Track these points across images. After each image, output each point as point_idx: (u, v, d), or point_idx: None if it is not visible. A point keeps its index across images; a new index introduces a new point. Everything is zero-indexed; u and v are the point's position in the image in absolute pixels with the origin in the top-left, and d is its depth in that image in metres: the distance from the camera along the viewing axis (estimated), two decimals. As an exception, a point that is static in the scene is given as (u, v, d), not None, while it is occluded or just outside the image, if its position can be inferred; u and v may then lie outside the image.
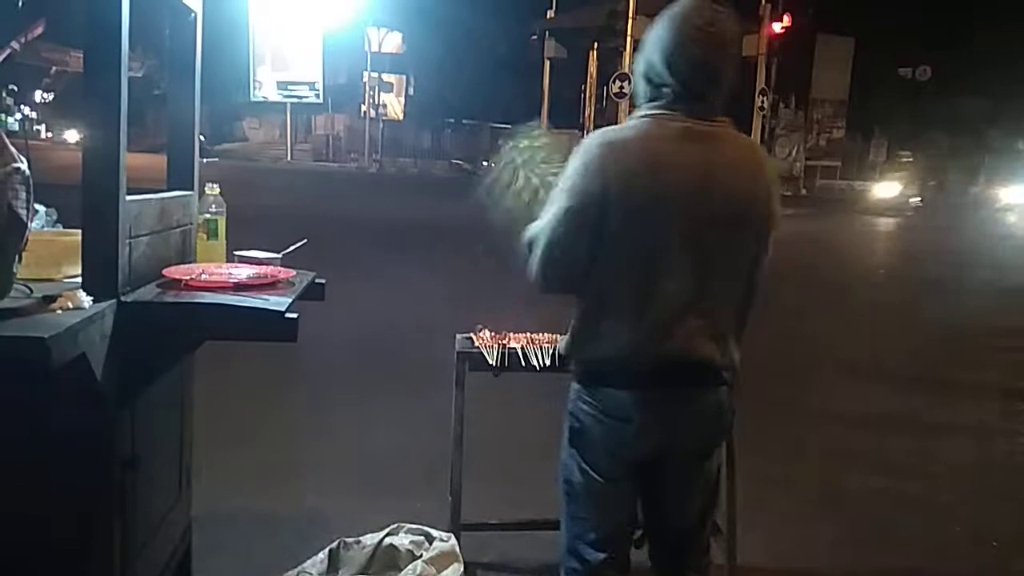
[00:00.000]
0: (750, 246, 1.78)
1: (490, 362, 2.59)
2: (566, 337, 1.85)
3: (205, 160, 2.46)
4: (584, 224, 1.69)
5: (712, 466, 1.89)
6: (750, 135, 23.97)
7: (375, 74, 34.51)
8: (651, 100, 1.75)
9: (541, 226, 1.77)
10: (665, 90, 1.72)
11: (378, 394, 4.78)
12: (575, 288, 1.80)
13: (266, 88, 35.20)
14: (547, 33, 27.94)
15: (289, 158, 33.40)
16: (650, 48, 1.75)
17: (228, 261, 2.29)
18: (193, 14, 2.31)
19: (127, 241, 1.85)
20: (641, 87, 1.79)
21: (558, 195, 1.75)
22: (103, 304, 1.73)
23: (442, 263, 9.13)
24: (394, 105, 37.54)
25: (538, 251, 1.76)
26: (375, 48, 34.94)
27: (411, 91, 38.54)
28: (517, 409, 4.05)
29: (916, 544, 3.40)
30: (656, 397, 1.75)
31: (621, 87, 20.57)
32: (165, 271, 2.02)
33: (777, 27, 25.14)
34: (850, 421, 4.92)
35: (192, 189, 2.35)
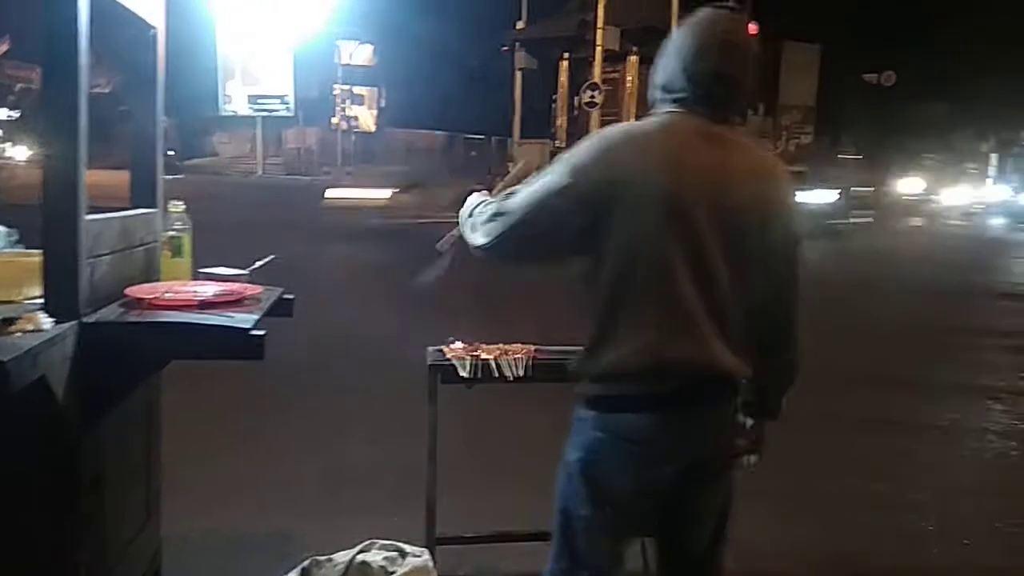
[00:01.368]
0: (769, 257, 1.71)
1: (462, 374, 2.57)
2: (579, 352, 1.73)
3: (169, 176, 2.43)
4: (576, 208, 1.63)
5: (726, 482, 1.81)
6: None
7: (346, 86, 34.45)
8: (673, 103, 1.72)
9: (526, 193, 1.70)
10: (685, 95, 1.70)
11: (351, 408, 4.75)
12: (525, 264, 1.76)
13: (236, 102, 34.99)
14: (517, 44, 28.10)
15: (260, 172, 33.16)
16: (670, 56, 1.73)
17: (194, 279, 2.26)
18: (153, 30, 2.29)
19: (88, 261, 1.83)
20: (659, 95, 1.76)
21: (558, 168, 1.67)
22: (64, 325, 1.71)
23: (417, 273, 9.11)
24: (366, 117, 37.49)
25: (510, 217, 1.69)
26: (346, 60, 34.91)
27: (383, 103, 38.52)
28: (491, 420, 4.04)
29: (888, 542, 3.43)
30: (676, 416, 1.67)
31: (592, 97, 20.71)
32: (128, 290, 1.99)
33: (744, 35, 25.46)
34: (821, 422, 4.97)
35: (156, 206, 2.32)
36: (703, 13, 1.73)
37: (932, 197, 29.80)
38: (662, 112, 1.73)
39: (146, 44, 2.31)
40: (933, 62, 33.04)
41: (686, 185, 1.62)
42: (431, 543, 2.60)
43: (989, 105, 35.31)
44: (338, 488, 3.65)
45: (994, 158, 39.17)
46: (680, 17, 20.49)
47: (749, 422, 1.89)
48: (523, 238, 1.71)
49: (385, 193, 15.47)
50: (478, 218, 1.78)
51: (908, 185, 30.77)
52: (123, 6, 2.09)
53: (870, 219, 20.89)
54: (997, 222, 26.14)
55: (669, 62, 1.73)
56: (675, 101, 1.72)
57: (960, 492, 4.05)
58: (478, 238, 1.77)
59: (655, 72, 1.77)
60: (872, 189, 23.70)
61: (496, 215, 1.73)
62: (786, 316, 1.80)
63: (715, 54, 1.67)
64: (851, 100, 33.46)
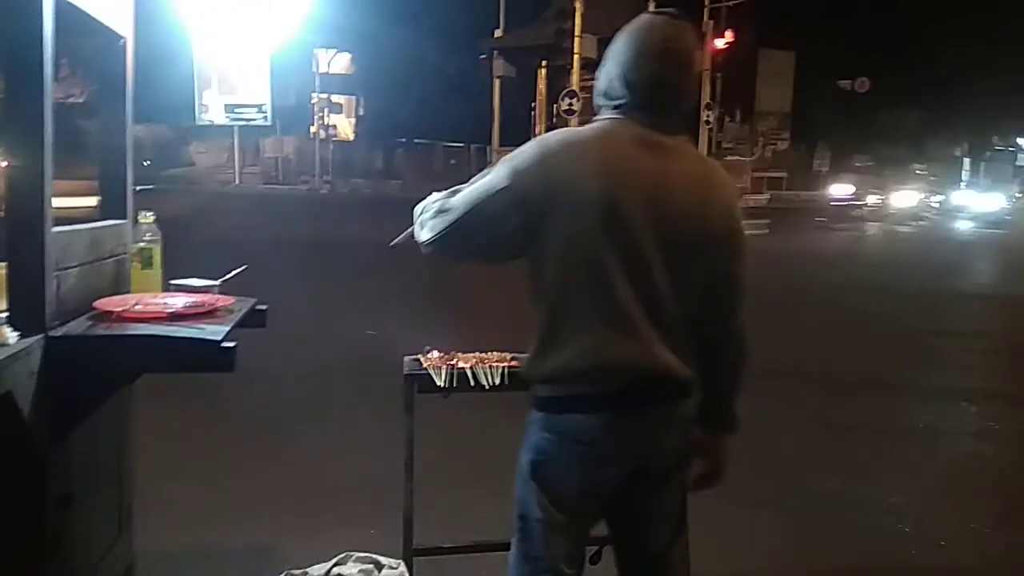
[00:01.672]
0: (707, 262, 1.72)
1: (438, 383, 2.56)
2: (527, 356, 1.78)
3: (138, 188, 2.40)
4: (512, 211, 1.65)
5: (680, 483, 1.84)
6: (696, 149, 24.58)
7: (324, 95, 34.35)
8: (613, 110, 1.74)
9: (467, 192, 1.72)
10: (624, 102, 1.71)
11: (327, 420, 4.71)
12: (465, 260, 1.79)
13: (212, 111, 34.76)
14: (495, 52, 28.15)
15: (238, 182, 32.95)
16: (610, 63, 1.75)
17: (164, 290, 2.23)
18: (123, 40, 2.26)
19: (55, 273, 1.80)
20: (601, 102, 1.77)
21: (499, 169, 1.70)
22: (30, 339, 1.68)
23: (395, 283, 9.06)
24: (344, 126, 37.39)
25: (450, 216, 1.72)
26: (324, 69, 34.80)
27: (361, 111, 38.45)
28: (469, 429, 4.03)
29: (865, 545, 3.45)
30: (623, 416, 1.69)
31: (570, 104, 20.79)
32: (96, 303, 1.96)
33: (720, 43, 25.73)
34: (799, 424, 5.01)
35: (126, 217, 2.29)
36: (642, 19, 1.74)
37: (868, 201, 28.19)
38: (602, 119, 1.75)
39: (115, 54, 2.28)
40: (907, 69, 33.54)
41: (622, 191, 1.64)
42: (408, 555, 2.58)
43: (962, 111, 35.91)
44: (316, 501, 3.61)
45: (967, 162, 39.81)
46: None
47: (708, 442, 1.89)
48: (463, 236, 1.73)
49: None
50: (425, 215, 1.80)
51: (840, 190, 29.28)
52: (91, 16, 2.06)
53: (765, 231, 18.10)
54: (964, 225, 26.18)
55: (609, 69, 1.75)
56: (615, 108, 1.73)
57: (936, 494, 4.09)
58: (423, 234, 1.79)
59: (597, 78, 1.79)
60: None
61: (439, 212, 1.76)
62: (729, 319, 1.80)
63: (654, 60, 1.68)
64: (826, 106, 33.86)
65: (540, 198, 1.65)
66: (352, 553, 2.48)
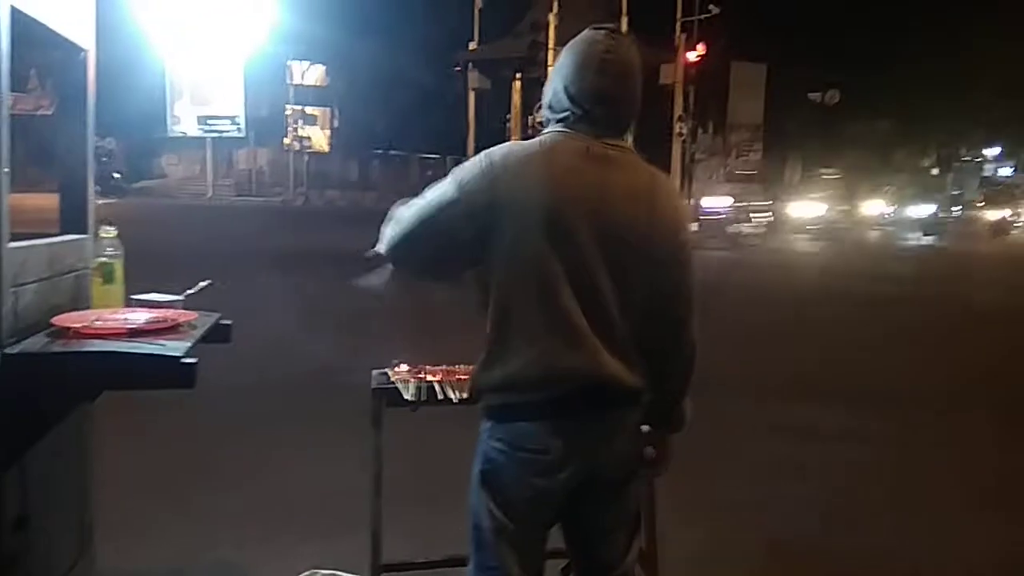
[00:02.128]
0: (653, 272, 1.74)
1: (407, 397, 2.54)
2: (476, 365, 1.79)
3: (100, 201, 2.37)
4: (459, 224, 1.68)
5: (632, 491, 1.86)
6: (670, 161, 24.68)
7: (298, 107, 34.24)
8: (558, 123, 1.77)
9: (419, 205, 1.74)
10: (568, 115, 1.74)
11: (294, 435, 4.64)
12: (421, 273, 1.81)
13: (185, 123, 34.54)
14: (470, 64, 28.21)
15: (211, 194, 32.72)
16: (554, 78, 1.79)
17: (126, 306, 2.20)
18: (83, 52, 2.24)
19: (11, 290, 1.77)
20: (547, 115, 1.81)
21: (448, 181, 1.72)
22: (-16, 357, 1.64)
23: (366, 296, 9.04)
24: (319, 138, 37.28)
25: (402, 227, 1.74)
26: (297, 81, 34.71)
27: (336, 123, 38.34)
28: (437, 442, 4.00)
29: (827, 550, 3.48)
30: (570, 425, 1.71)
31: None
32: (55, 319, 1.93)
33: (692, 56, 25.96)
34: (755, 432, 5.05)
35: (86, 232, 2.26)
36: (583, 34, 1.77)
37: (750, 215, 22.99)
38: (548, 132, 1.78)
39: (76, 67, 2.25)
40: (876, 82, 34.10)
41: (567, 203, 1.67)
42: (376, 570, 2.55)
43: (931, 123, 36.57)
44: (283, 517, 3.57)
45: (935, 172, 40.58)
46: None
47: (653, 435, 1.89)
48: (413, 248, 1.76)
49: None
50: (384, 226, 1.81)
51: (713, 202, 23.52)
52: (51, 29, 2.04)
53: None
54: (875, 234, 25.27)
55: (555, 83, 1.78)
56: (559, 121, 1.76)
57: (883, 502, 4.12)
58: (380, 245, 1.81)
59: (544, 94, 1.83)
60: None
61: (394, 223, 1.78)
62: (676, 326, 1.81)
63: (594, 73, 1.72)
64: (797, 118, 34.32)
65: (486, 210, 1.68)
66: (318, 570, 2.45)
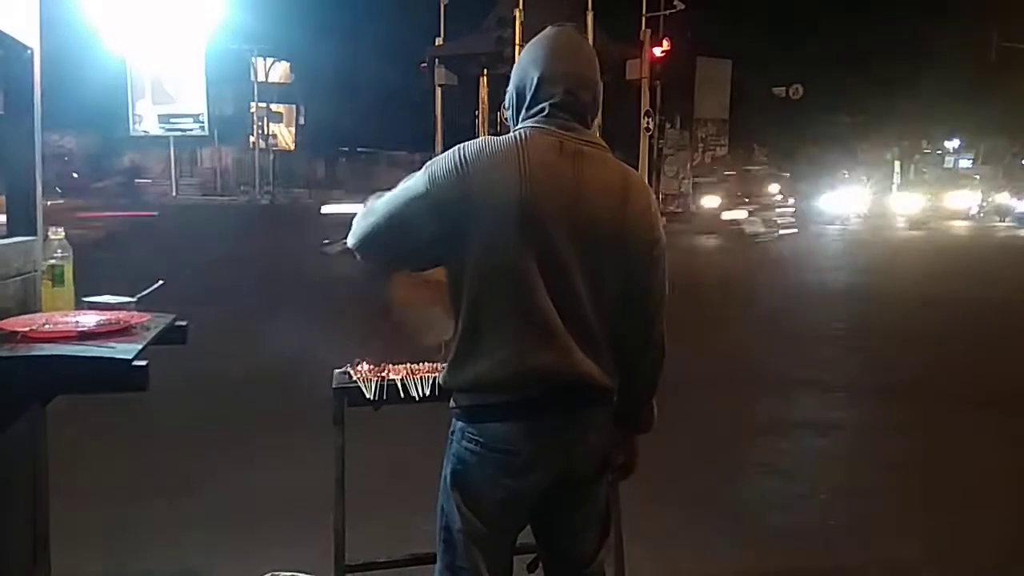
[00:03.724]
0: (625, 269, 1.74)
1: (368, 396, 2.52)
2: (446, 364, 1.77)
3: (49, 202, 2.32)
4: (429, 218, 1.66)
5: (602, 489, 1.85)
6: (638, 156, 24.78)
7: (263, 104, 33.84)
8: (529, 118, 1.76)
9: (388, 197, 1.73)
10: (544, 107, 1.73)
11: (255, 436, 4.60)
12: (389, 267, 1.80)
13: (147, 122, 33.96)
14: (436, 60, 28.10)
15: (174, 193, 32.25)
16: (517, 74, 1.78)
17: (77, 308, 2.16)
18: (29, 51, 2.19)
19: (-45, 294, 1.73)
20: (511, 113, 1.80)
21: (419, 175, 1.71)
22: (-73, 363, 1.60)
23: (328, 293, 8.95)
24: (284, 135, 36.91)
25: (369, 220, 1.73)
26: (262, 78, 34.31)
27: (302, 120, 37.98)
28: (402, 441, 3.98)
29: (800, 541, 3.52)
30: (542, 425, 1.69)
31: (512, 112, 20.85)
32: (3, 323, 1.88)
33: (658, 51, 26.08)
34: (729, 425, 5.09)
35: (35, 234, 2.21)
36: (547, 30, 1.79)
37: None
38: (520, 127, 1.76)
39: (22, 65, 2.20)
40: (839, 76, 34.51)
41: (540, 198, 1.65)
42: (340, 571, 2.54)
43: (893, 116, 37.07)
44: (245, 520, 3.53)
45: (897, 165, 41.20)
46: (595, 35, 20.87)
47: (620, 435, 1.90)
48: (382, 241, 1.74)
49: None
50: (354, 218, 1.79)
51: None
52: (-8, 26, 1.99)
53: None
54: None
55: (518, 79, 1.78)
56: (531, 116, 1.75)
57: (861, 491, 4.18)
58: (349, 237, 1.78)
59: (507, 93, 1.82)
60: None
61: (364, 215, 1.76)
62: (646, 325, 1.81)
63: (568, 60, 1.74)
64: (762, 113, 34.60)
65: (458, 206, 1.65)
66: (279, 573, 2.43)
